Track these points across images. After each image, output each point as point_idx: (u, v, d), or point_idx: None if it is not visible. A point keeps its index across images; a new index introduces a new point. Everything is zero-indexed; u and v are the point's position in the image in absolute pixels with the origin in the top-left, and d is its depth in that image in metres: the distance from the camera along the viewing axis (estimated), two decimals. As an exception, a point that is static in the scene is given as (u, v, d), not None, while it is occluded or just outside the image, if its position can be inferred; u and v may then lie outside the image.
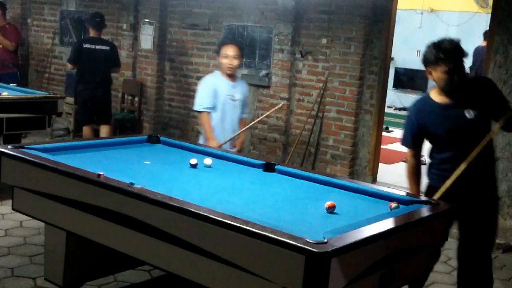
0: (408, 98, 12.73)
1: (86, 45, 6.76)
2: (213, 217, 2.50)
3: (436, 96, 3.42)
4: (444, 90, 3.35)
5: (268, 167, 3.69)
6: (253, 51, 7.16)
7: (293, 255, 2.22)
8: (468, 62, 3.48)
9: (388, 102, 7.56)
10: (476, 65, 8.70)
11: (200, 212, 2.55)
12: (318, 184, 3.44)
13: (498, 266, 4.76)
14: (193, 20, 7.77)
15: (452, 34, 11.78)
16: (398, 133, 10.80)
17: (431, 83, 3.19)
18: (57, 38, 9.38)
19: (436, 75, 3.31)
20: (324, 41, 6.66)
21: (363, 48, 6.38)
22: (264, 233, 2.33)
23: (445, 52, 3.25)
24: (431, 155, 3.56)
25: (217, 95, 4.70)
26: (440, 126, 3.39)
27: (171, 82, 8.12)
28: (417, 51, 12.50)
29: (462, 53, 3.31)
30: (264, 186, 3.36)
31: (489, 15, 5.84)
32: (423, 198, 3.17)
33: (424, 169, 3.63)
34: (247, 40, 7.23)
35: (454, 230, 3.57)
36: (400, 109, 12.50)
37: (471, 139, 3.31)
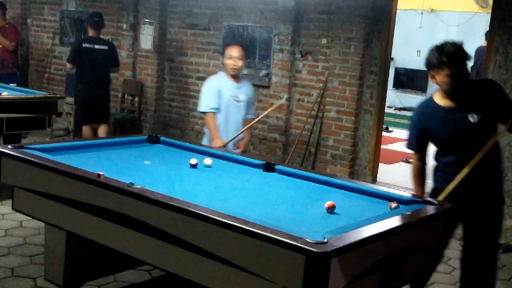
0: (408, 98, 12.75)
1: (85, 45, 6.76)
2: (213, 217, 2.50)
3: (439, 99, 3.39)
4: (448, 93, 3.32)
5: (268, 167, 3.69)
6: (253, 51, 7.16)
7: (293, 255, 2.22)
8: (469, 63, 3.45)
9: (388, 102, 7.56)
10: (477, 65, 8.70)
11: (200, 212, 2.55)
12: (318, 184, 3.43)
13: (498, 266, 4.75)
14: (193, 20, 7.77)
15: (452, 34, 11.82)
16: (398, 133, 10.82)
17: (431, 83, 3.22)
18: (57, 38, 9.38)
19: (440, 79, 3.28)
20: (324, 41, 6.67)
21: (363, 48, 6.38)
22: (264, 233, 2.33)
23: (448, 55, 3.21)
24: (436, 158, 3.53)
25: (221, 96, 4.68)
26: (443, 129, 3.36)
27: (171, 82, 8.12)
28: (417, 51, 12.52)
29: (465, 56, 3.28)
30: (264, 186, 3.36)
31: (489, 15, 5.84)
32: (422, 198, 3.16)
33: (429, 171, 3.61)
34: (247, 40, 7.22)
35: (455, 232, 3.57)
36: (400, 109, 12.50)
37: (475, 143, 3.29)
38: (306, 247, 2.19)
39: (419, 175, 3.56)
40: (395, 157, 8.52)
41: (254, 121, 4.87)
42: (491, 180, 3.43)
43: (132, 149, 4.05)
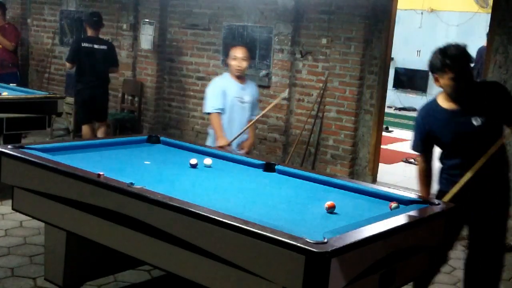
0: (408, 98, 12.76)
1: (84, 44, 6.78)
2: (213, 217, 2.50)
3: (443, 101, 3.36)
4: (451, 96, 3.29)
5: (268, 167, 3.69)
6: (253, 51, 7.16)
7: (293, 255, 2.22)
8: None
9: (388, 102, 7.56)
10: (478, 66, 8.70)
11: (200, 212, 2.55)
12: (318, 184, 3.43)
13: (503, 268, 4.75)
14: (193, 20, 7.77)
15: (452, 34, 11.82)
16: (398, 133, 10.82)
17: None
18: (57, 38, 9.38)
19: (443, 82, 3.25)
20: (324, 41, 6.67)
21: (363, 48, 6.39)
22: (264, 233, 2.33)
23: (451, 58, 3.19)
24: (441, 160, 3.51)
25: (226, 97, 4.68)
26: (446, 132, 3.34)
27: (171, 82, 8.12)
28: (417, 51, 12.52)
29: (469, 59, 3.25)
30: (264, 186, 3.36)
31: (489, 15, 5.84)
32: (422, 198, 3.16)
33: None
34: (247, 40, 7.23)
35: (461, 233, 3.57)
36: (400, 109, 12.51)
37: (479, 146, 3.26)
38: (306, 247, 2.19)
39: (425, 176, 3.53)
40: (395, 157, 8.53)
41: (258, 116, 4.81)
42: (497, 183, 3.40)
43: (132, 149, 4.05)
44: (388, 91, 6.95)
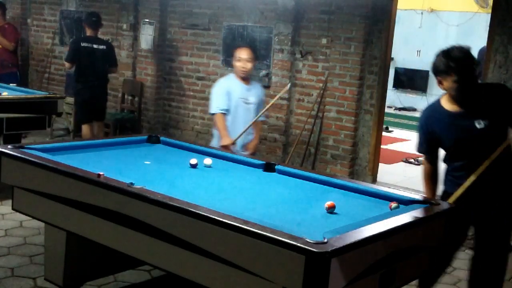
0: (408, 98, 12.77)
1: (83, 44, 6.79)
2: (213, 217, 2.50)
3: (446, 103, 3.33)
4: (456, 99, 3.26)
5: (268, 167, 3.69)
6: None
7: (293, 255, 2.22)
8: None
9: (388, 102, 7.56)
10: (479, 66, 8.71)
11: (200, 212, 2.55)
12: (318, 184, 3.43)
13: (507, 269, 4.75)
14: (193, 20, 7.77)
15: (452, 34, 11.83)
16: (398, 133, 10.82)
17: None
18: (57, 38, 9.38)
19: (447, 85, 3.22)
20: (324, 41, 6.67)
21: (363, 48, 6.39)
22: (264, 233, 2.33)
23: (455, 61, 3.15)
24: (445, 161, 3.48)
25: (230, 98, 4.66)
26: (449, 135, 3.32)
27: (171, 82, 8.12)
28: (417, 51, 12.53)
29: (473, 61, 3.22)
30: (264, 186, 3.36)
31: (489, 15, 5.84)
32: (423, 198, 3.16)
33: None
34: (247, 40, 7.22)
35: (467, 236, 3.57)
36: (400, 109, 12.52)
37: (483, 149, 3.24)
38: (306, 247, 2.19)
39: (430, 177, 3.51)
40: (395, 157, 8.53)
41: (263, 111, 4.76)
42: (502, 185, 3.37)
43: (132, 149, 4.05)
44: (388, 91, 6.95)
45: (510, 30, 5.41)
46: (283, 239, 2.27)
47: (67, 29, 9.16)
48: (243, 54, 4.69)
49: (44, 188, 3.27)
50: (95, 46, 6.80)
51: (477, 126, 3.23)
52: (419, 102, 12.50)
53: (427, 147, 3.47)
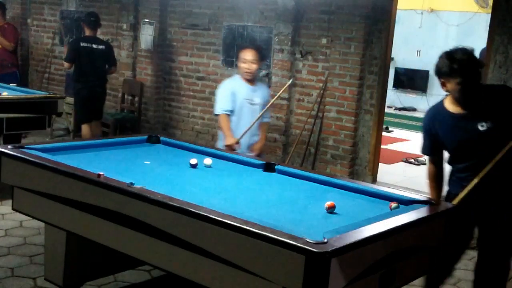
0: (408, 98, 12.76)
1: (83, 44, 6.81)
2: (213, 217, 2.50)
3: (449, 105, 3.32)
4: (459, 101, 3.25)
5: (268, 167, 3.69)
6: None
7: (293, 255, 2.22)
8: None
9: (388, 102, 7.56)
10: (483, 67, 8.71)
11: (200, 212, 2.55)
12: (318, 184, 3.43)
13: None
14: (193, 20, 7.77)
15: (452, 34, 11.82)
16: (398, 133, 10.83)
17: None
18: (57, 38, 9.37)
19: (451, 87, 3.20)
20: (324, 41, 6.66)
21: (363, 48, 6.38)
22: (264, 233, 2.33)
23: (459, 63, 3.13)
24: (449, 162, 3.47)
25: (235, 99, 4.65)
26: (451, 137, 3.31)
27: (171, 82, 8.11)
28: (417, 51, 12.52)
29: (476, 63, 3.20)
30: (264, 186, 3.36)
31: (489, 15, 5.84)
32: (423, 198, 3.16)
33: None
34: (247, 40, 7.22)
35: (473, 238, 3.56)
36: (400, 109, 12.51)
37: (486, 150, 3.22)
38: (306, 247, 2.19)
39: (434, 179, 3.49)
40: (395, 157, 8.53)
41: (264, 110, 4.74)
42: (506, 187, 3.35)
43: (132, 149, 4.05)
44: (388, 91, 6.94)
45: (510, 30, 5.40)
46: (283, 239, 2.27)
47: (63, 30, 9.16)
48: (247, 56, 4.67)
49: (44, 188, 3.27)
50: (94, 46, 6.82)
51: (480, 128, 3.21)
52: (419, 102, 12.50)
53: (431, 148, 3.45)
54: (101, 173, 3.02)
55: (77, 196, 3.09)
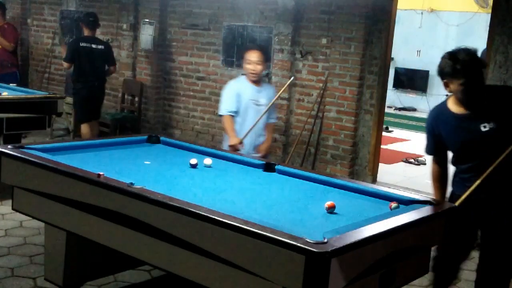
0: (408, 98, 12.76)
1: (82, 44, 6.82)
2: (213, 217, 2.50)
3: (452, 105, 3.30)
4: (462, 101, 3.23)
5: (268, 167, 3.69)
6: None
7: (293, 255, 2.22)
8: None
9: (388, 102, 7.57)
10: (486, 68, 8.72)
11: (200, 212, 2.55)
12: (318, 184, 3.43)
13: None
14: (193, 20, 7.77)
15: (452, 34, 11.82)
16: (398, 133, 10.82)
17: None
18: (57, 38, 9.37)
19: (454, 87, 3.18)
20: (324, 41, 6.66)
21: (363, 48, 6.38)
22: (264, 233, 2.33)
23: (462, 63, 3.11)
24: (453, 163, 3.45)
25: (240, 100, 4.64)
26: (454, 137, 3.30)
27: (171, 82, 8.12)
28: (417, 51, 12.52)
29: (480, 64, 3.19)
30: (264, 186, 3.36)
31: (489, 15, 5.84)
32: (423, 198, 3.16)
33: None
34: (247, 40, 7.23)
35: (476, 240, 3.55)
36: (400, 109, 12.51)
37: (489, 151, 3.21)
38: (306, 247, 2.19)
39: (438, 178, 3.48)
40: (395, 157, 8.53)
41: (267, 109, 4.71)
42: (507, 191, 3.33)
43: (132, 149, 4.05)
44: (388, 91, 6.95)
45: (510, 30, 5.41)
46: (283, 239, 2.27)
47: (61, 30, 9.16)
48: (253, 57, 4.66)
49: (44, 188, 3.27)
50: (93, 46, 6.84)
51: (482, 129, 3.20)
52: (419, 102, 12.50)
53: (435, 148, 3.44)
54: (101, 173, 3.02)
55: (77, 196, 3.09)
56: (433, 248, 3.15)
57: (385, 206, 3.02)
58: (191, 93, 7.89)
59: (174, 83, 8.08)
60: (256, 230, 2.35)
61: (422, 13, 12.39)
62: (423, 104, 12.28)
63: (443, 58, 3.22)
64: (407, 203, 3.04)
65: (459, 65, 3.11)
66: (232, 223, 2.43)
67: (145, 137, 4.31)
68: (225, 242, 2.46)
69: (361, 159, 6.61)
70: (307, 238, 2.26)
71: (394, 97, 12.63)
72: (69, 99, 7.56)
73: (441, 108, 3.38)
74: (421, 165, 7.99)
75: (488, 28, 5.71)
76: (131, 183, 2.88)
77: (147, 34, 8.01)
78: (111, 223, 2.94)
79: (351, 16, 6.38)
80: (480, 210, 3.33)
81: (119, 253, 3.01)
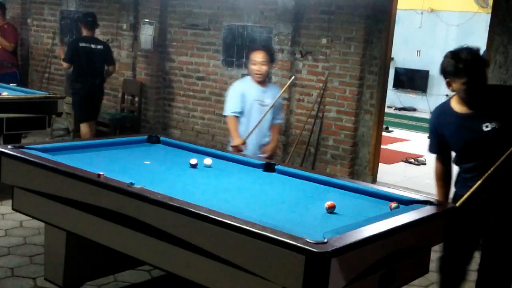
0: (408, 98, 12.77)
1: (82, 44, 6.83)
2: (213, 217, 2.50)
3: (455, 104, 3.29)
4: (465, 100, 3.23)
5: (268, 167, 3.69)
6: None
7: (293, 255, 2.22)
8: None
9: (388, 102, 7.57)
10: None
11: (200, 212, 2.55)
12: (318, 184, 3.43)
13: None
14: (193, 20, 7.77)
15: (452, 34, 11.82)
16: (398, 133, 10.82)
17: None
18: (57, 38, 9.37)
19: (456, 87, 3.17)
20: (324, 41, 6.67)
21: (363, 48, 6.39)
22: (264, 233, 2.33)
23: (465, 63, 3.10)
24: (455, 163, 3.44)
25: (245, 100, 4.62)
26: (457, 137, 3.28)
27: (171, 82, 8.12)
28: (417, 51, 12.52)
29: (482, 63, 3.18)
30: (264, 186, 3.36)
31: (489, 15, 5.85)
32: (423, 198, 3.16)
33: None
34: (247, 40, 7.23)
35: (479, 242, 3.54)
36: (400, 109, 12.52)
37: (492, 151, 3.19)
38: (306, 247, 2.19)
39: (441, 177, 3.47)
40: (395, 157, 8.53)
41: (269, 107, 4.69)
42: (507, 191, 3.32)
43: (132, 149, 4.05)
44: (388, 91, 6.95)
45: (510, 30, 5.41)
46: (283, 239, 2.27)
47: (60, 30, 9.16)
48: (258, 57, 4.63)
49: (44, 188, 3.27)
50: (93, 46, 6.85)
51: (484, 128, 3.19)
52: (419, 102, 12.50)
53: (438, 147, 3.43)
54: (101, 173, 3.02)
55: (77, 196, 3.08)
56: (437, 249, 3.14)
57: (385, 206, 3.02)
58: (191, 93, 7.90)
59: (174, 83, 8.08)
60: (256, 230, 2.35)
61: (422, 13, 12.40)
62: (423, 104, 12.28)
63: (445, 57, 3.21)
64: (407, 203, 3.04)
65: (461, 64, 3.11)
66: (232, 223, 2.43)
67: (145, 137, 4.31)
68: (225, 242, 2.46)
69: (361, 159, 6.61)
70: (307, 238, 2.26)
71: (394, 97, 12.64)
72: (69, 99, 7.56)
73: (444, 108, 3.37)
74: (421, 165, 7.99)
75: (488, 28, 5.71)
76: (131, 183, 2.88)
77: (147, 34, 8.01)
78: (111, 223, 2.94)
79: (351, 16, 6.38)
80: (481, 210, 3.32)
81: (119, 253, 3.01)
